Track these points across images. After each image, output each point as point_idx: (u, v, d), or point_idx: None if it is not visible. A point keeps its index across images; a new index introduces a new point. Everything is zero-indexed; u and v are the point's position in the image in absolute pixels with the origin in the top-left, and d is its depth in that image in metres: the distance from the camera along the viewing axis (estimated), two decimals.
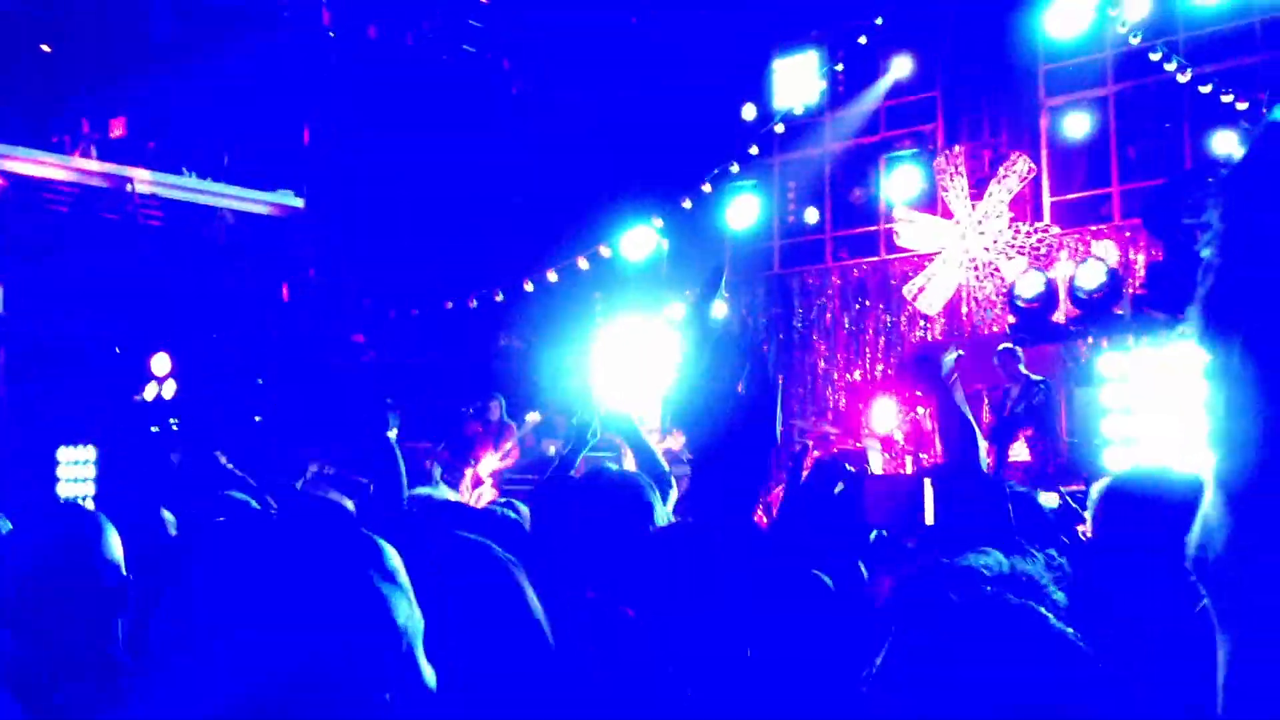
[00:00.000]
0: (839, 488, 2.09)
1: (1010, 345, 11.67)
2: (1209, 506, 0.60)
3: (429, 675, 1.40)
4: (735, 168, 15.92)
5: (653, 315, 15.82)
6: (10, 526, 2.86)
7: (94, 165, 15.51)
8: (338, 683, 1.30)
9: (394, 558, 1.43)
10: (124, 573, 2.75)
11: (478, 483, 12.39)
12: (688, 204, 15.90)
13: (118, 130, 16.82)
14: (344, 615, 1.33)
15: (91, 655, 2.49)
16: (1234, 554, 0.56)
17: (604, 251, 16.01)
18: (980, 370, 11.62)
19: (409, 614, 1.39)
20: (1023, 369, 11.36)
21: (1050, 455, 10.84)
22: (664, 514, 3.21)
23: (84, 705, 2.30)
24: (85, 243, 15.01)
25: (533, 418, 12.65)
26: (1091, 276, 12.52)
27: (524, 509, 4.42)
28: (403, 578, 1.42)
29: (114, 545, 2.74)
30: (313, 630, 1.29)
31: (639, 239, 16.10)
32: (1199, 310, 0.61)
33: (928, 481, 2.07)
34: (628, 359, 15.31)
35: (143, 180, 15.52)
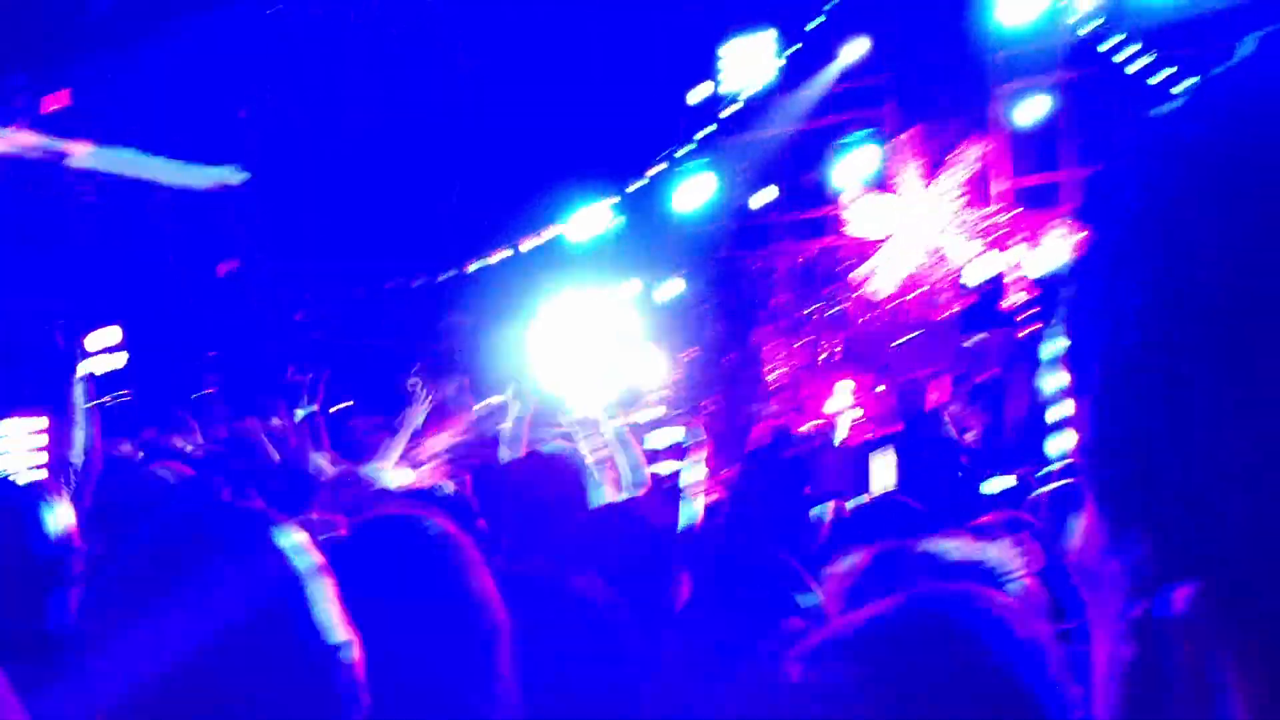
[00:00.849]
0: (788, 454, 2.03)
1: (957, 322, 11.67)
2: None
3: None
4: (686, 149, 15.87)
5: (601, 295, 15.73)
6: None
7: (31, 139, 15.18)
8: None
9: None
10: (66, 548, 2.64)
11: (424, 459, 12.26)
12: (638, 185, 15.82)
13: (56, 104, 16.47)
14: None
15: (34, 631, 2.39)
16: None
17: (552, 232, 15.90)
18: (928, 355, 11.64)
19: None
20: (966, 345, 11.36)
21: (997, 439, 10.86)
22: (602, 492, 3.27)
23: (23, 684, 2.19)
24: (23, 217, 14.70)
25: (493, 400, 12.56)
26: (1042, 261, 12.58)
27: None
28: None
29: (60, 518, 2.64)
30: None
31: (588, 219, 16.01)
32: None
33: (876, 452, 2.03)
34: (574, 339, 15.20)
35: (81, 154, 15.20)
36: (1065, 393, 0.58)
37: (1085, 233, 0.57)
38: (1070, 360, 0.57)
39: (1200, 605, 0.50)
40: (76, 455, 4.45)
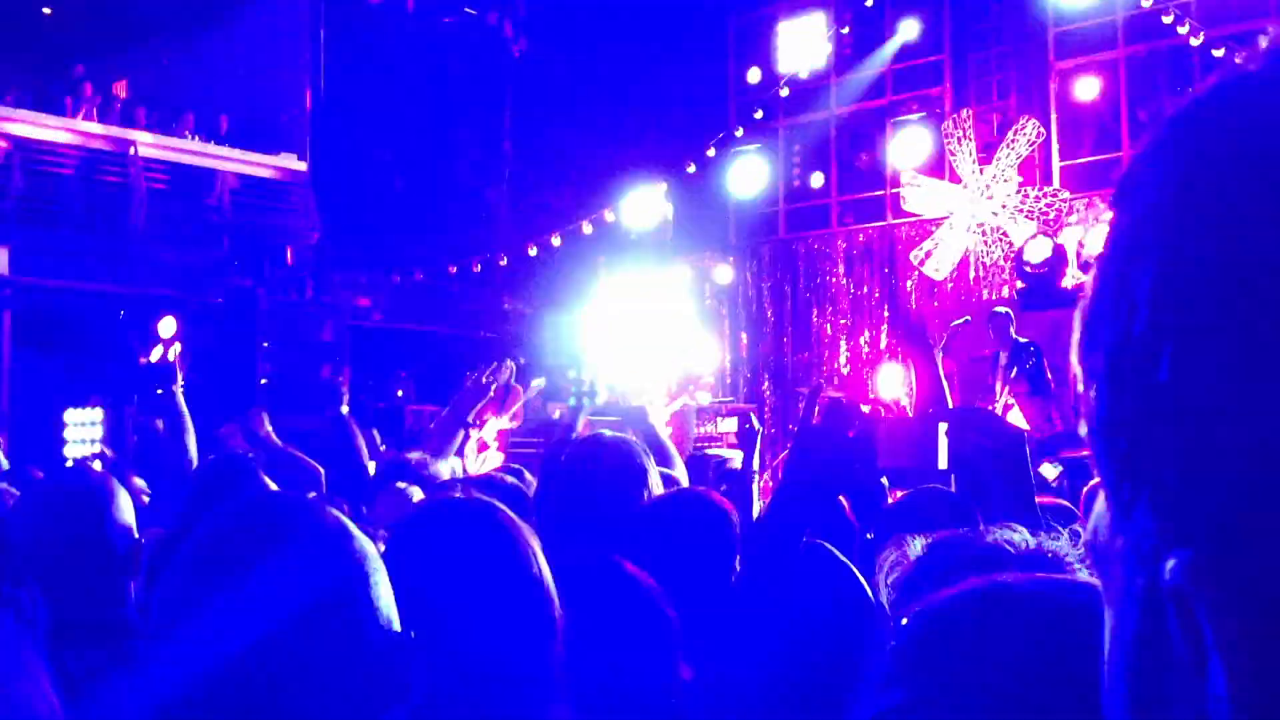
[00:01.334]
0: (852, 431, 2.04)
1: (1004, 309, 11.57)
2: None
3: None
4: (740, 132, 15.83)
5: (657, 280, 15.78)
6: (18, 494, 2.86)
7: (97, 128, 15.45)
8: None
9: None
10: (135, 536, 2.73)
11: (483, 447, 12.38)
12: (692, 169, 15.82)
13: (121, 93, 16.75)
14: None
15: (103, 619, 2.47)
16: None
17: (608, 216, 15.95)
18: (987, 336, 11.56)
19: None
20: (1013, 333, 11.25)
21: (1043, 422, 10.73)
22: (657, 480, 3.26)
23: (96, 670, 2.28)
24: (89, 205, 14.97)
25: (538, 383, 12.62)
26: (1101, 241, 12.44)
27: (530, 477, 4.43)
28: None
29: (125, 508, 2.72)
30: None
31: (643, 204, 16.04)
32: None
33: (942, 425, 2.03)
34: (631, 324, 15.28)
35: (146, 143, 15.45)
36: (1079, 374, 0.62)
37: (1111, 217, 0.61)
38: (1083, 342, 0.61)
39: (1197, 574, 0.53)
40: (190, 448, 4.54)
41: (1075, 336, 0.62)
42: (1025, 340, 11.17)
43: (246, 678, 1.24)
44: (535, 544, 1.76)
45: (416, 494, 4.40)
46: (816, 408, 1.83)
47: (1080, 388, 0.61)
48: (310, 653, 1.28)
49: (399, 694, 1.33)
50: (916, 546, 1.82)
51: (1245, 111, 0.56)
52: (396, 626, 1.35)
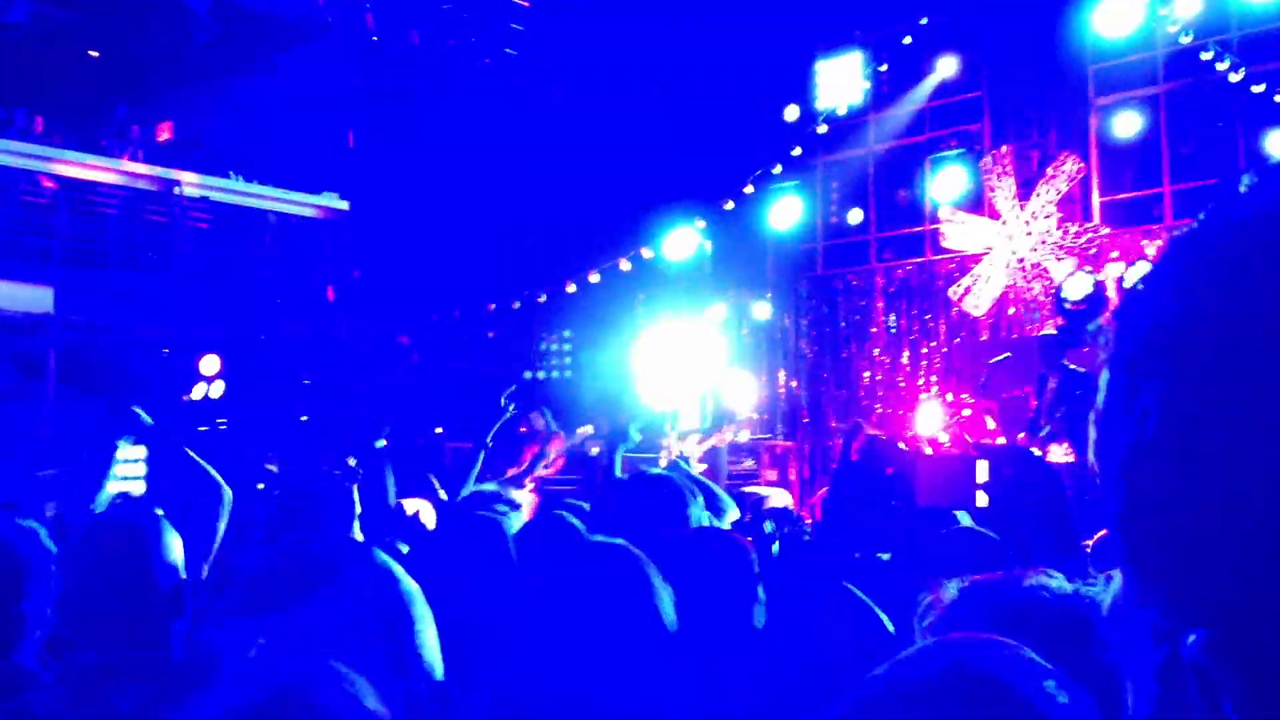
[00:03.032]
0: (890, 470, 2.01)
1: (1054, 333, 11.46)
2: None
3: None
4: (778, 169, 15.86)
5: (695, 316, 15.79)
6: (37, 527, 2.87)
7: (142, 169, 15.67)
8: None
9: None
10: (181, 575, 2.75)
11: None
12: (730, 205, 15.85)
13: (165, 134, 17.01)
14: None
15: (149, 657, 2.48)
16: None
17: (646, 253, 15.99)
18: (1027, 373, 11.48)
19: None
20: (1066, 361, 11.13)
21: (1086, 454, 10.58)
22: (699, 514, 3.26)
23: (141, 706, 2.29)
24: (134, 245, 15.17)
25: (584, 431, 12.67)
26: (1139, 277, 12.34)
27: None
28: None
29: (173, 547, 2.73)
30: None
31: (681, 240, 16.08)
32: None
33: (981, 464, 2.00)
34: (670, 359, 15.28)
35: (190, 183, 15.66)
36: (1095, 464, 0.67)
37: (1115, 332, 0.67)
38: (1099, 444, 0.67)
39: (1213, 650, 0.59)
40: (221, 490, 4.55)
41: (1091, 437, 0.67)
42: (1079, 368, 11.06)
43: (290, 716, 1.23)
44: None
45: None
46: (855, 446, 1.82)
47: (1098, 483, 0.67)
48: (355, 694, 1.27)
49: None
50: (952, 590, 1.79)
51: (1240, 239, 0.61)
52: (440, 674, 1.34)
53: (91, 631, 2.44)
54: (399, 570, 1.40)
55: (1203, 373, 0.59)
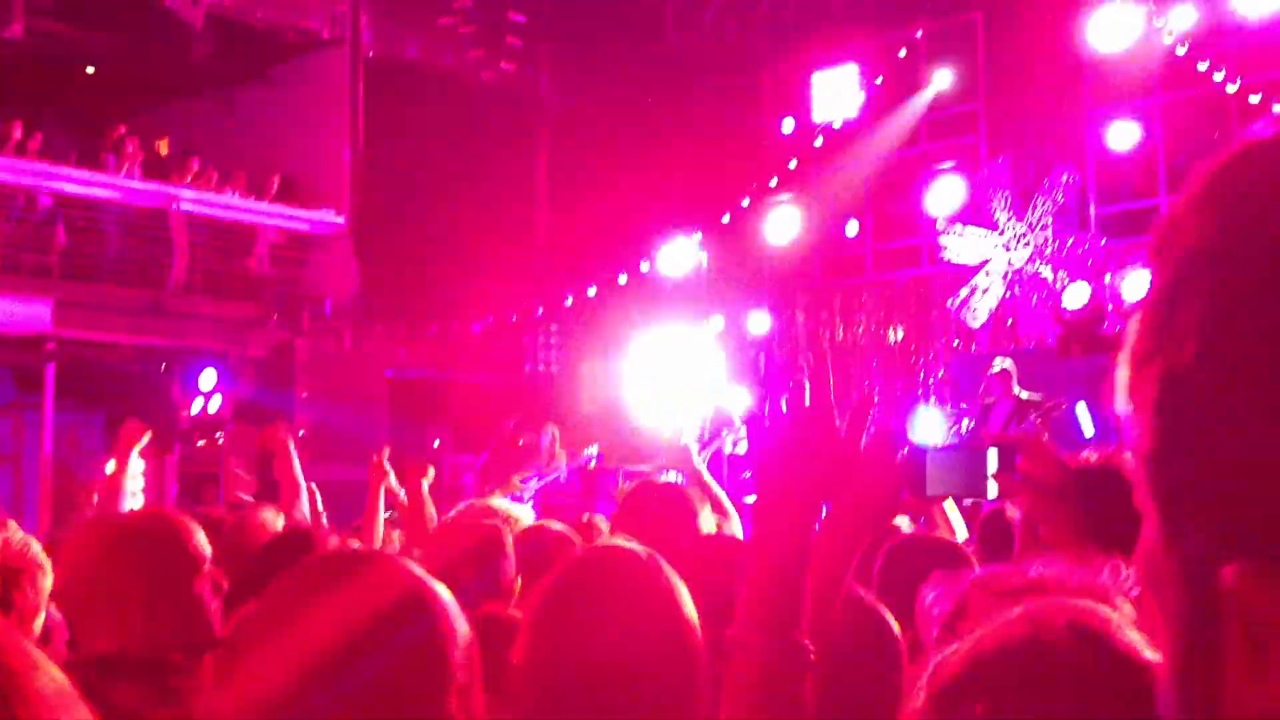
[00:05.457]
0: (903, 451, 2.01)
1: (1003, 366, 11.32)
2: None
3: None
4: (774, 182, 15.89)
5: (692, 329, 15.80)
6: (30, 540, 2.86)
7: (138, 184, 15.67)
8: None
9: None
10: (202, 568, 2.73)
11: (517, 500, 12.37)
12: (727, 219, 15.88)
13: (162, 150, 17.01)
14: None
15: (152, 655, 2.46)
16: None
17: (644, 267, 16.02)
18: (1025, 383, 11.47)
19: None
20: (1016, 388, 11.07)
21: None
22: (709, 521, 3.28)
23: (146, 703, 2.28)
24: (132, 260, 15.16)
25: (591, 451, 12.76)
26: (1139, 287, 12.37)
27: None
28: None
29: (199, 542, 2.71)
30: None
31: (678, 254, 16.11)
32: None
33: (992, 452, 2.01)
34: (668, 372, 15.29)
35: (187, 199, 15.66)
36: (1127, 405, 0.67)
37: (1155, 260, 0.67)
38: (1133, 376, 0.66)
39: (1254, 580, 0.58)
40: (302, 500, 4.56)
41: (1123, 371, 0.67)
42: (1030, 396, 10.99)
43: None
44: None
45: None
46: (862, 435, 1.81)
47: (1129, 420, 0.66)
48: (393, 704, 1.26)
49: None
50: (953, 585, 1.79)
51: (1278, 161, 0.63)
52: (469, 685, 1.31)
53: (89, 626, 2.44)
54: (431, 581, 1.38)
55: (1246, 288, 0.59)
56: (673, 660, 1.63)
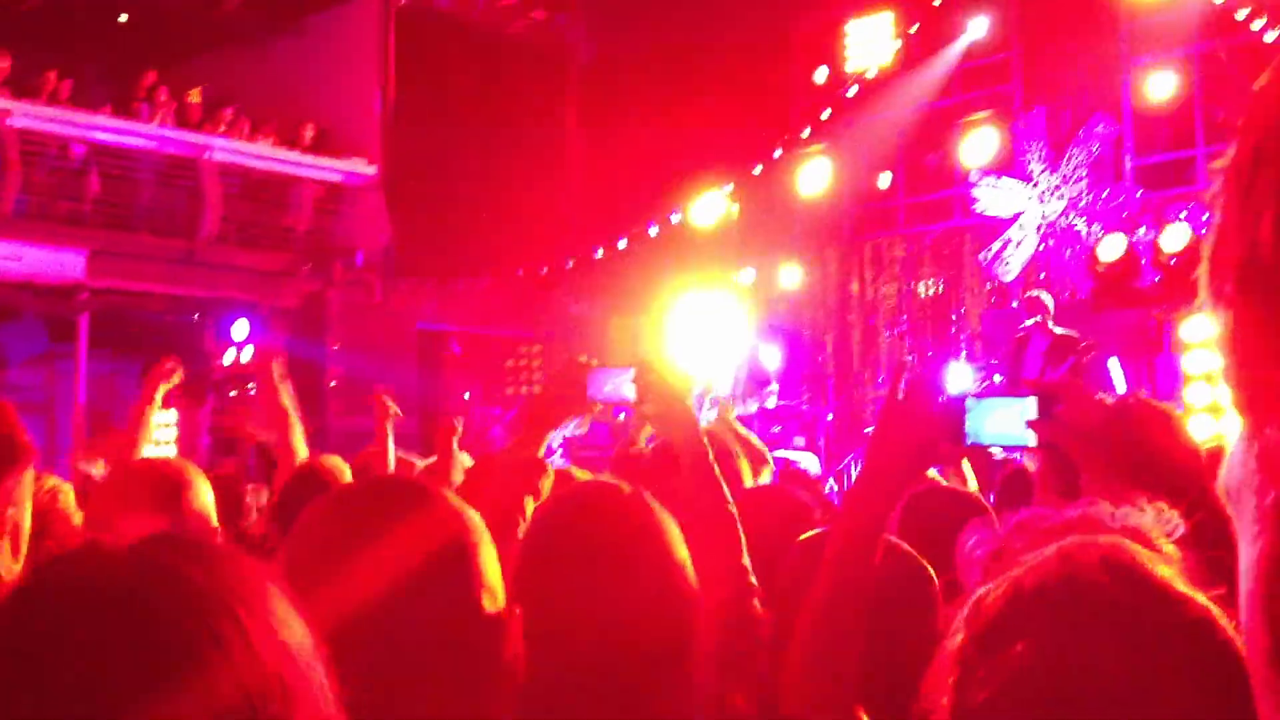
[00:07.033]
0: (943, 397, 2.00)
1: (1039, 294, 11.45)
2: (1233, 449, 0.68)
3: None
4: (807, 133, 15.77)
5: (723, 282, 15.76)
6: (60, 484, 2.90)
7: (171, 133, 15.70)
8: None
9: None
10: (213, 524, 2.77)
11: (549, 452, 12.42)
12: (758, 170, 15.79)
13: (194, 99, 17.03)
14: None
15: None
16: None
17: (675, 219, 15.96)
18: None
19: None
20: (1051, 324, 11.08)
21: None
22: (747, 472, 3.25)
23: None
24: (164, 209, 15.21)
25: (647, 431, 12.68)
26: (1175, 240, 12.24)
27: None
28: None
29: (202, 495, 2.75)
30: None
31: (710, 206, 16.04)
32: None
33: (1030, 400, 1.99)
34: (698, 326, 15.28)
35: (219, 148, 15.68)
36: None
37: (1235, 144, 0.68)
38: (1212, 270, 0.66)
39: None
40: (299, 444, 4.55)
41: (1202, 269, 0.67)
42: (1065, 331, 10.99)
43: (359, 641, 1.22)
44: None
45: None
46: (901, 386, 1.82)
47: (1211, 316, 0.66)
48: (424, 618, 1.28)
49: (505, 672, 1.32)
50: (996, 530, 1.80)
51: None
52: (501, 601, 1.35)
53: None
54: (459, 501, 1.41)
55: None
56: (664, 595, 1.64)
